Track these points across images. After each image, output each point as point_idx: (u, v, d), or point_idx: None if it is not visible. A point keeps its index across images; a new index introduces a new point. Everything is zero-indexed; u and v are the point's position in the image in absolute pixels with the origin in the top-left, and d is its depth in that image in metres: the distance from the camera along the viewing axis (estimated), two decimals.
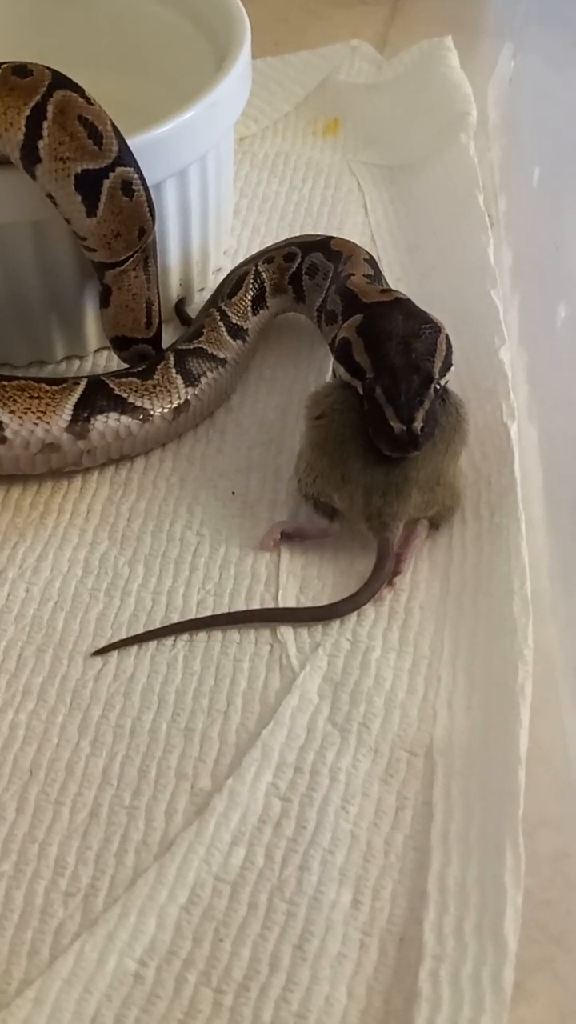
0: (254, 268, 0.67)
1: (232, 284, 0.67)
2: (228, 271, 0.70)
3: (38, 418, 0.58)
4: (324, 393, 0.58)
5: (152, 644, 0.54)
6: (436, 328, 0.57)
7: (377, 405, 0.54)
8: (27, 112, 0.56)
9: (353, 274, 0.62)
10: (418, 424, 0.53)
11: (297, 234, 0.78)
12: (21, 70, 0.57)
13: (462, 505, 0.58)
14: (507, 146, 0.84)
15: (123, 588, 0.56)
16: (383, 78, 0.92)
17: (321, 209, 0.81)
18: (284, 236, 0.78)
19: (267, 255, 0.68)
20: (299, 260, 0.67)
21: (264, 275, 0.67)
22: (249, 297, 0.67)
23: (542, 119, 0.79)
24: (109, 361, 0.69)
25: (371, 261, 0.65)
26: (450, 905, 0.43)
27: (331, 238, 0.68)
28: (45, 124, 0.56)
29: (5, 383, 0.59)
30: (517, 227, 0.77)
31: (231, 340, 0.65)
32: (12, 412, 0.58)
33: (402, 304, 0.59)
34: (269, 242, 0.77)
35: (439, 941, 0.42)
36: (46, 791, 0.48)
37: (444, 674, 0.52)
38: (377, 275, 0.65)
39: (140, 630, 0.54)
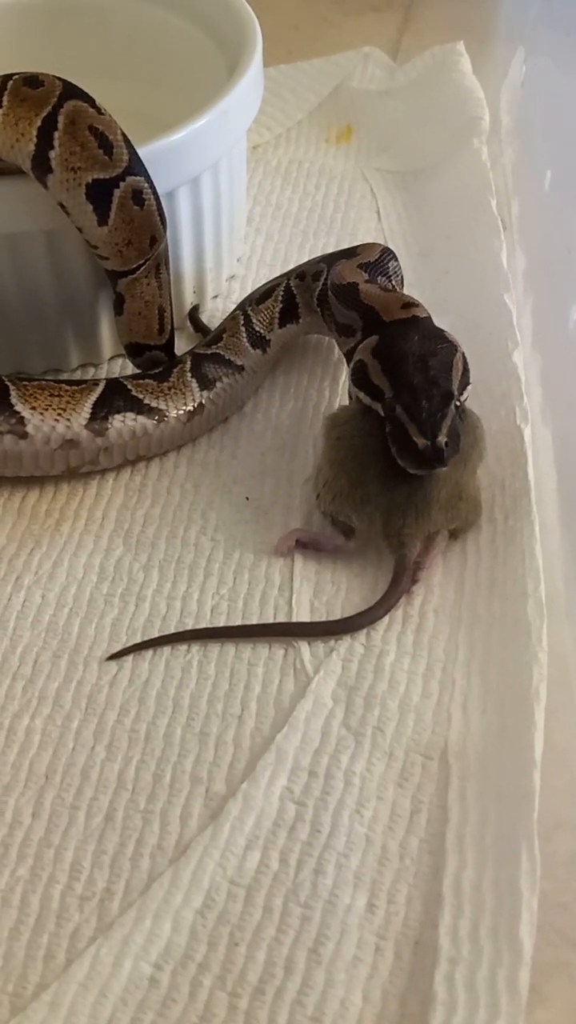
0: (285, 282, 0.67)
1: (262, 292, 0.67)
2: (242, 278, 0.69)
3: (59, 415, 0.59)
4: (343, 419, 0.58)
5: (167, 649, 0.54)
6: (452, 347, 0.57)
7: (399, 423, 0.54)
8: (38, 123, 0.57)
9: (356, 283, 0.61)
10: (442, 438, 0.52)
11: (310, 240, 0.78)
12: (32, 81, 0.57)
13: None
14: (519, 150, 0.84)
15: (138, 594, 0.56)
16: (396, 84, 0.92)
17: (335, 216, 0.81)
18: (298, 243, 0.78)
19: (299, 271, 0.68)
20: (324, 277, 0.65)
21: (295, 290, 0.67)
22: (277, 309, 0.66)
23: (554, 123, 0.79)
24: (124, 368, 0.69)
25: (367, 266, 0.63)
26: (465, 908, 0.43)
27: (359, 245, 0.66)
28: (56, 135, 0.56)
29: (26, 383, 0.60)
30: (530, 231, 0.77)
31: (251, 348, 0.65)
32: (33, 408, 0.58)
33: (418, 323, 0.58)
34: (283, 249, 0.78)
35: (454, 944, 0.42)
36: (62, 796, 0.48)
37: (459, 677, 0.52)
38: (373, 278, 0.62)
39: (155, 635, 0.54)
